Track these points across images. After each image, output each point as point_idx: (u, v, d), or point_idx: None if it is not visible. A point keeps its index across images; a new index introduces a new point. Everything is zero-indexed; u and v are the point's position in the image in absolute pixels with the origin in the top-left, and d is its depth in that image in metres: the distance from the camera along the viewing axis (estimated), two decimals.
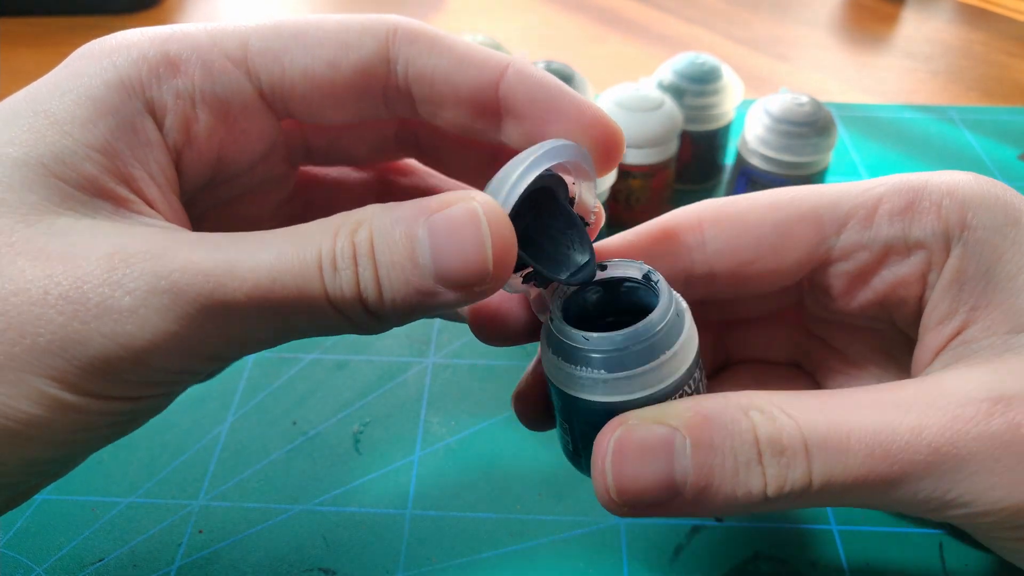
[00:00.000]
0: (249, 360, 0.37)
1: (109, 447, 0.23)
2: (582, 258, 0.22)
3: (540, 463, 0.32)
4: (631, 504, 0.20)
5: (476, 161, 0.26)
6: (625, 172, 0.43)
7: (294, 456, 0.33)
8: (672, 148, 0.43)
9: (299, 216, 0.27)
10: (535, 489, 0.31)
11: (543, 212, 0.22)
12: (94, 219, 0.18)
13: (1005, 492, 0.19)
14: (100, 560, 0.29)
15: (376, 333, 0.20)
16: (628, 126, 0.42)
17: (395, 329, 0.30)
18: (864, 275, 0.24)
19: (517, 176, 0.20)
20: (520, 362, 0.37)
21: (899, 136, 0.54)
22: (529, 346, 0.25)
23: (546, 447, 0.33)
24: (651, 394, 0.20)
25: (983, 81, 0.62)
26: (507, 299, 0.23)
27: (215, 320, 0.18)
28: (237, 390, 0.35)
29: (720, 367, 0.29)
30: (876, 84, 0.62)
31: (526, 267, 0.22)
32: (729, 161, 0.49)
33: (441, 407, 0.35)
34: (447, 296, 0.18)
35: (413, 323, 0.25)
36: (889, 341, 0.26)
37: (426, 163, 0.27)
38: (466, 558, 0.29)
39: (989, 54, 0.66)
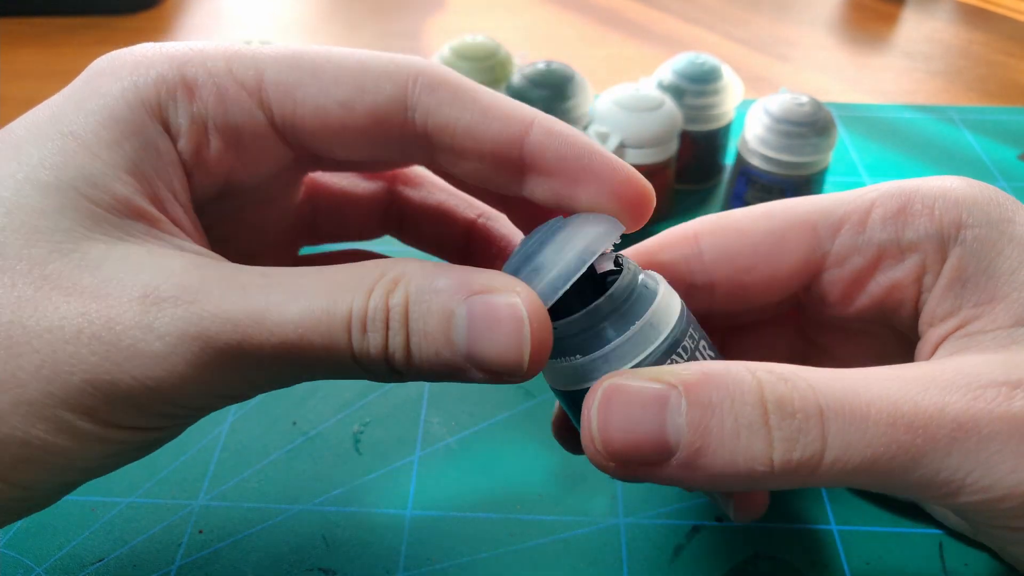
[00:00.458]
0: None
1: None
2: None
3: (540, 463, 0.32)
4: (618, 460, 0.19)
5: (451, 238, 0.27)
6: None
7: (294, 456, 0.33)
8: (672, 148, 0.43)
9: (307, 220, 0.27)
10: (535, 489, 0.31)
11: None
12: (127, 244, 0.18)
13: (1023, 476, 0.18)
14: (100, 560, 0.29)
15: (394, 382, 0.20)
16: (628, 126, 0.42)
17: None
18: (860, 280, 0.24)
19: (559, 276, 0.19)
20: None
21: (899, 136, 0.54)
22: None
23: (546, 447, 0.33)
24: (632, 367, 0.20)
25: (983, 81, 0.62)
26: None
27: (240, 367, 0.18)
28: None
29: None
30: (876, 84, 0.62)
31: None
32: (729, 161, 0.49)
33: (441, 407, 0.35)
34: (475, 375, 0.19)
35: None
36: (890, 346, 0.26)
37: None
38: (466, 558, 0.29)
39: (989, 54, 0.66)
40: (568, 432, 0.26)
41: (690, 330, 0.21)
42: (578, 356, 0.20)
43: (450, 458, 0.33)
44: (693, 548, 0.29)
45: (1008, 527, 0.20)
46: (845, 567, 0.29)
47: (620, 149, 0.42)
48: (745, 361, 0.19)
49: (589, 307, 0.20)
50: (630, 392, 0.19)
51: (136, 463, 0.32)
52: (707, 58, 0.47)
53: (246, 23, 0.71)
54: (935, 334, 0.23)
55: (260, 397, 0.35)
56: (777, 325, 0.29)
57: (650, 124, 0.42)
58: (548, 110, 0.44)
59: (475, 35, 0.48)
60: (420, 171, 0.27)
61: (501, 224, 0.26)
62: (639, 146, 0.42)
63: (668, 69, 0.46)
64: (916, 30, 0.70)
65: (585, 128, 0.44)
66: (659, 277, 0.22)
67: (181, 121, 0.20)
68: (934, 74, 0.63)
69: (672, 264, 0.24)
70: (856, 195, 0.24)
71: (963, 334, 0.22)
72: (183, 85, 0.20)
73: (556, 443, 0.27)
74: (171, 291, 0.18)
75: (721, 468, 0.18)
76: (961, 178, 0.23)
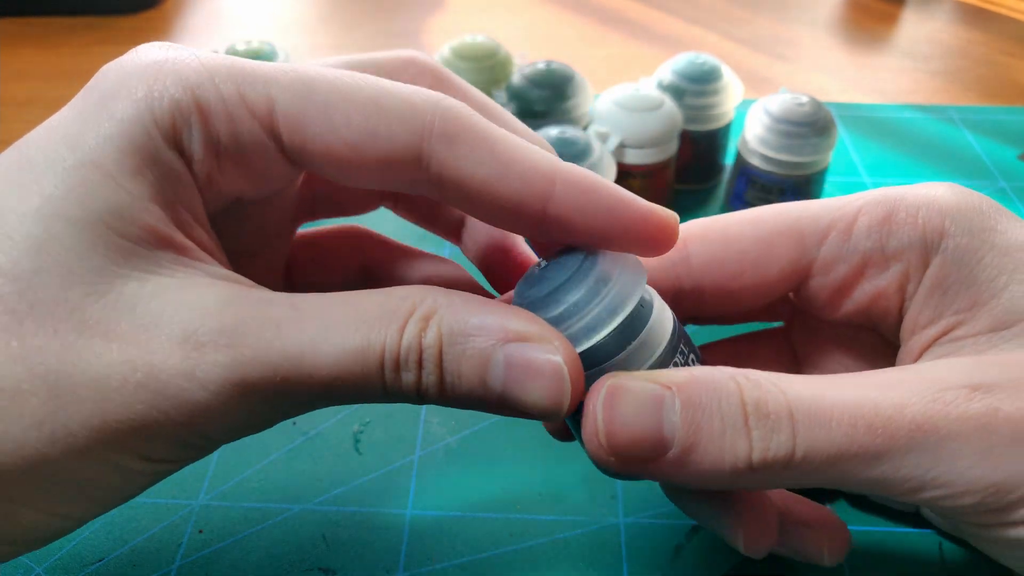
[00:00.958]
0: None
1: None
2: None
3: (540, 463, 0.32)
4: (619, 453, 0.20)
5: (446, 214, 0.27)
6: (625, 172, 0.43)
7: (294, 456, 0.33)
8: (672, 148, 0.44)
9: (306, 203, 0.27)
10: (535, 489, 0.31)
11: None
12: (158, 278, 0.19)
13: (983, 472, 0.19)
14: (100, 560, 0.29)
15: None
16: (628, 126, 0.42)
17: None
18: (845, 287, 0.24)
19: (593, 331, 0.20)
20: None
21: (899, 136, 0.54)
22: None
23: (546, 447, 0.33)
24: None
25: (983, 81, 0.62)
26: None
27: (277, 405, 0.19)
28: None
29: None
30: (876, 84, 0.62)
31: None
32: (729, 161, 0.49)
33: (441, 407, 0.35)
34: (504, 413, 0.19)
35: None
36: (878, 352, 0.26)
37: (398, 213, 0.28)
38: (466, 558, 0.29)
39: (989, 54, 0.66)
40: (558, 426, 0.26)
41: (680, 345, 0.22)
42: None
43: (450, 458, 0.33)
44: (693, 548, 0.29)
45: (974, 523, 0.20)
46: (845, 567, 0.29)
47: (620, 149, 0.42)
48: (726, 367, 0.20)
49: (602, 338, 0.20)
50: (631, 391, 0.19)
51: None
52: (707, 58, 0.47)
53: (246, 23, 0.71)
54: (917, 341, 0.23)
55: None
56: (767, 336, 0.29)
57: (650, 124, 0.42)
58: (548, 110, 0.44)
59: (475, 35, 0.48)
60: None
61: None
62: (639, 146, 0.42)
63: (668, 69, 0.47)
64: (916, 30, 0.70)
65: (585, 128, 0.44)
66: (653, 292, 0.22)
67: (196, 147, 0.20)
68: (934, 74, 0.63)
69: (661, 269, 0.25)
70: (843, 202, 0.24)
71: (945, 340, 0.23)
72: (197, 109, 0.19)
73: (556, 443, 0.27)
74: (209, 336, 0.18)
75: (710, 464, 0.19)
76: (948, 185, 0.24)
